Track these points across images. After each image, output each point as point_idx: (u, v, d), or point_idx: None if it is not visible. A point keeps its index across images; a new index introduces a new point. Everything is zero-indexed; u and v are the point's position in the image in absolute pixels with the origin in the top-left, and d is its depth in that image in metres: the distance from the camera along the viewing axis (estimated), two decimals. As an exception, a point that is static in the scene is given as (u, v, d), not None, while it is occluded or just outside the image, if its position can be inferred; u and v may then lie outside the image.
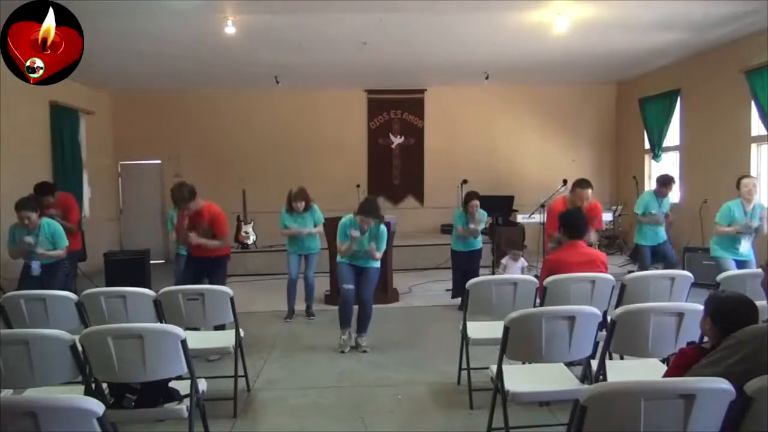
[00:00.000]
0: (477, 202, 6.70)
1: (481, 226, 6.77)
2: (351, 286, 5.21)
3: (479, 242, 6.86)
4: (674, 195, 9.02)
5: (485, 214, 6.83)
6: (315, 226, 6.40)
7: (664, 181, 6.71)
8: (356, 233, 5.17)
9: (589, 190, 5.23)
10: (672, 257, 6.72)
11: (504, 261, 7.27)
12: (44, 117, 8.38)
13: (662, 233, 6.69)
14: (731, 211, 5.66)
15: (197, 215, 5.12)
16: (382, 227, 5.29)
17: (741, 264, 5.65)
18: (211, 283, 5.11)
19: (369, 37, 7.38)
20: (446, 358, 4.77)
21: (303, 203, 6.31)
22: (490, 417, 3.26)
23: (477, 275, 6.61)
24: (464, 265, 6.73)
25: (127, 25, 6.52)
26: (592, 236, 5.00)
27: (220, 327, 4.53)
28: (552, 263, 4.01)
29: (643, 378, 3.08)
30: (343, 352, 5.19)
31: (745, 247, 5.65)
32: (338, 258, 5.33)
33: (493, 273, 7.35)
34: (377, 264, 5.30)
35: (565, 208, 5.14)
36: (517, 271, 7.01)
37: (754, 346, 2.11)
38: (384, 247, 5.32)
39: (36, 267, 5.28)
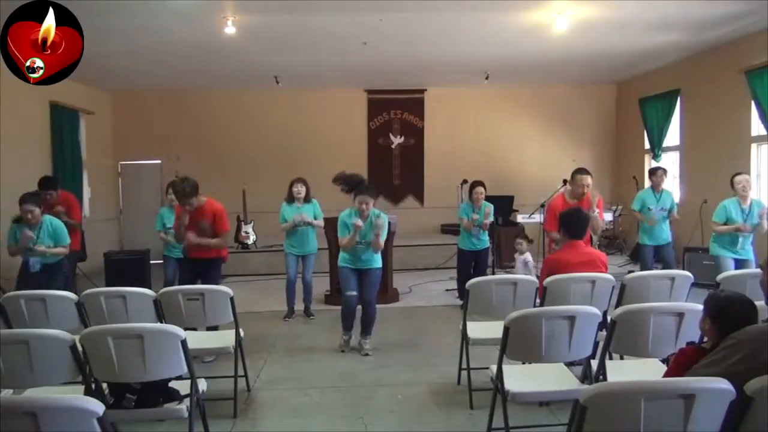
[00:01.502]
0: (482, 189, 6.70)
1: (490, 218, 6.62)
2: (354, 293, 5.14)
3: (486, 241, 6.80)
4: (674, 194, 9.06)
5: (491, 206, 6.68)
6: (315, 219, 6.40)
7: (651, 172, 6.91)
8: (360, 222, 4.99)
9: (589, 177, 5.09)
10: (670, 263, 6.66)
11: (515, 255, 7.46)
12: (44, 117, 8.38)
13: (665, 234, 6.66)
14: (726, 209, 5.68)
15: (199, 213, 4.98)
16: (383, 214, 5.13)
17: (740, 263, 5.65)
18: (203, 282, 5.00)
19: (369, 37, 7.38)
20: (446, 358, 4.77)
21: (304, 189, 6.34)
22: (490, 417, 3.26)
23: (485, 275, 6.64)
24: (470, 265, 6.71)
25: (127, 24, 6.52)
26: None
27: (213, 328, 4.50)
28: (552, 263, 4.01)
29: (643, 378, 3.08)
30: (343, 351, 5.19)
31: (742, 243, 5.64)
32: (339, 261, 5.26)
33: (494, 273, 7.35)
34: (379, 264, 5.23)
35: (565, 202, 5.05)
36: (520, 266, 7.18)
37: (753, 346, 2.11)
38: (386, 234, 5.17)
39: (35, 264, 5.21)
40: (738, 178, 5.70)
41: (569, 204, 4.97)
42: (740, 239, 5.63)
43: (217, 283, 5.09)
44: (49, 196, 6.07)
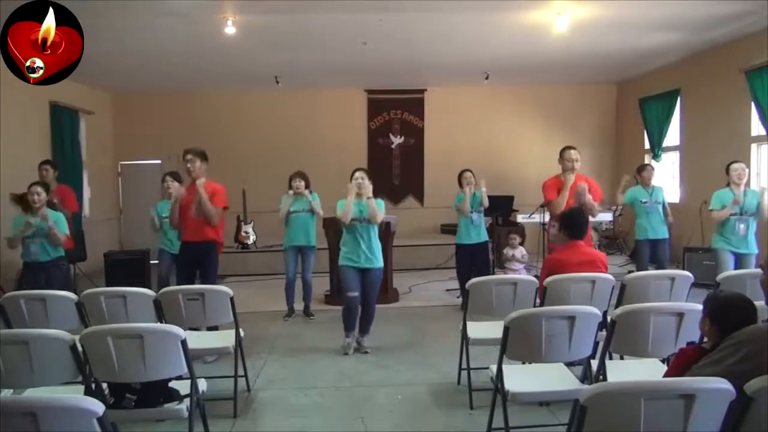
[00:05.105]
0: (469, 173, 6.66)
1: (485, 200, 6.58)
2: (356, 294, 5.12)
3: (485, 234, 6.72)
4: (674, 195, 9.06)
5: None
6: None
7: (641, 169, 7.04)
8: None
9: (574, 152, 5.27)
10: (663, 262, 6.65)
11: (505, 251, 7.53)
12: (44, 117, 8.38)
13: (662, 229, 6.67)
14: (721, 198, 5.74)
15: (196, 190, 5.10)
16: (378, 199, 5.29)
17: (741, 258, 5.67)
18: (201, 271, 5.06)
19: (369, 37, 7.38)
20: (446, 358, 4.76)
21: (303, 183, 6.37)
22: (490, 417, 3.26)
23: (487, 271, 6.60)
24: (468, 260, 6.61)
25: (128, 25, 6.52)
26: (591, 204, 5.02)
27: (213, 328, 4.51)
28: (552, 263, 4.01)
29: (643, 378, 3.08)
30: (346, 354, 5.13)
31: (743, 230, 5.65)
32: (340, 261, 5.24)
33: (493, 273, 7.35)
34: (380, 264, 5.21)
35: (557, 179, 5.28)
36: (518, 258, 7.38)
37: (754, 346, 2.11)
38: (383, 211, 5.23)
39: (35, 252, 5.21)
40: (734, 165, 5.77)
41: (560, 180, 5.25)
42: (740, 226, 5.64)
43: (215, 271, 5.20)
44: (45, 171, 6.32)
